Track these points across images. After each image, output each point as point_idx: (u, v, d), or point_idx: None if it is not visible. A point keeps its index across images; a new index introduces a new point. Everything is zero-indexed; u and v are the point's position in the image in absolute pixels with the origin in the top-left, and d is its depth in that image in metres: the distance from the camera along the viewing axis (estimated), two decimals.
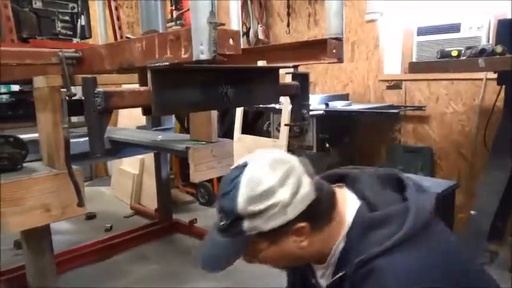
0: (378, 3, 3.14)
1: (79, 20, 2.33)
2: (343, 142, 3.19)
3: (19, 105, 2.78)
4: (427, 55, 2.82)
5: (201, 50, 0.90)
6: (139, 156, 3.71)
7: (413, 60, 2.85)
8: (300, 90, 1.49)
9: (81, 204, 1.43)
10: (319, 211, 0.82)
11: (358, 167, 1.03)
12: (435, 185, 2.32)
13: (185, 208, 3.80)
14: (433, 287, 0.69)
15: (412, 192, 0.84)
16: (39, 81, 1.56)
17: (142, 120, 3.05)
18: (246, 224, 0.78)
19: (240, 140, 3.23)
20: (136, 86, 1.24)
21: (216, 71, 1.24)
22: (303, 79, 1.48)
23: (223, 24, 0.92)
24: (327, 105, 2.99)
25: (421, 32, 2.89)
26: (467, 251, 0.81)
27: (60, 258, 2.50)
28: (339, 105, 3.03)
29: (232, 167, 0.87)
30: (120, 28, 2.34)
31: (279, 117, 3.06)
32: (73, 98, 1.28)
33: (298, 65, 1.44)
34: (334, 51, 1.26)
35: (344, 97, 3.36)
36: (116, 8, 2.33)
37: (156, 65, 1.06)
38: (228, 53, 0.94)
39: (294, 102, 1.53)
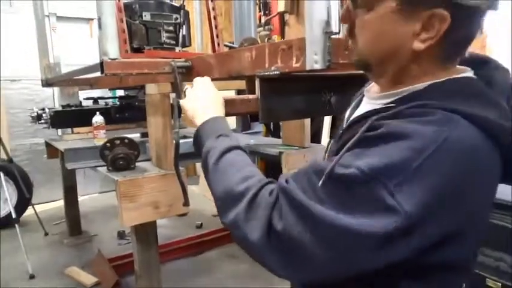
0: None
1: (181, 29, 2.49)
2: None
3: (125, 109, 3.07)
4: None
5: (315, 59, 0.91)
6: None
7: None
8: None
9: (186, 203, 1.53)
10: (465, 31, 0.59)
11: None
12: None
13: None
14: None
15: None
16: (151, 89, 1.70)
17: (232, 124, 3.17)
18: None
19: None
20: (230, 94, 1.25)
21: (320, 78, 1.24)
22: None
23: (338, 33, 0.91)
24: None
25: None
26: None
27: (160, 251, 2.71)
28: None
29: None
30: (217, 36, 2.46)
31: None
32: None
33: None
34: None
35: None
36: (215, 18, 2.46)
37: (266, 74, 1.10)
38: (341, 61, 0.93)
39: None
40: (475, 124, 0.54)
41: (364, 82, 1.34)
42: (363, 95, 0.76)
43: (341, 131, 0.72)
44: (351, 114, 0.76)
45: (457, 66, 0.65)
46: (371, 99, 0.70)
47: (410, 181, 0.50)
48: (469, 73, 0.64)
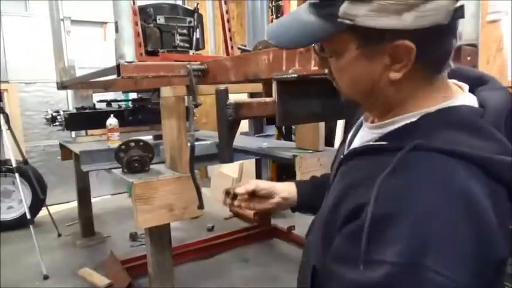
0: (503, 2, 2.83)
1: (194, 33, 2.51)
2: None
3: (138, 111, 3.09)
4: None
5: None
6: (239, 161, 3.85)
7: None
8: None
9: (201, 206, 1.53)
10: (437, 47, 0.58)
11: None
12: None
13: (281, 214, 3.84)
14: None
15: None
16: (166, 91, 1.71)
17: (245, 126, 3.16)
18: (343, 7, 0.56)
19: None
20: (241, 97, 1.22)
21: None
22: None
23: None
24: None
25: None
26: None
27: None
28: None
29: None
30: (231, 39, 2.47)
31: None
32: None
33: None
34: (468, 58, 1.16)
35: None
36: (228, 21, 2.46)
37: (283, 76, 1.09)
38: None
39: None
40: (474, 164, 0.53)
41: None
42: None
43: (342, 157, 0.72)
44: (352, 138, 0.76)
45: (453, 83, 0.64)
46: (367, 128, 0.71)
47: (445, 253, 0.49)
48: (461, 97, 0.63)
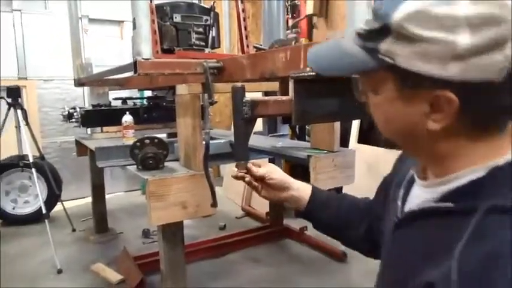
0: None
1: (210, 31, 2.51)
2: None
3: (153, 109, 3.12)
4: None
5: None
6: (252, 160, 3.84)
7: None
8: None
9: (214, 204, 1.53)
10: (486, 104, 0.52)
11: None
12: None
13: (293, 214, 3.82)
14: None
15: None
16: (181, 89, 1.71)
17: (259, 126, 3.16)
18: (385, 44, 0.54)
19: (356, 149, 3.12)
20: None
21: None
22: None
23: None
24: None
25: None
26: None
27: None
28: None
29: None
30: (247, 38, 2.46)
31: None
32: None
33: None
34: None
35: None
36: (244, 19, 2.46)
37: (300, 75, 1.08)
38: None
39: None
40: None
41: None
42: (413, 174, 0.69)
43: (396, 220, 0.66)
44: (405, 196, 0.69)
45: None
46: (423, 186, 0.64)
47: None
48: None
